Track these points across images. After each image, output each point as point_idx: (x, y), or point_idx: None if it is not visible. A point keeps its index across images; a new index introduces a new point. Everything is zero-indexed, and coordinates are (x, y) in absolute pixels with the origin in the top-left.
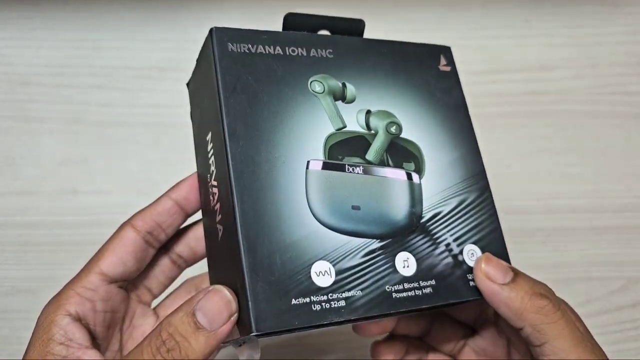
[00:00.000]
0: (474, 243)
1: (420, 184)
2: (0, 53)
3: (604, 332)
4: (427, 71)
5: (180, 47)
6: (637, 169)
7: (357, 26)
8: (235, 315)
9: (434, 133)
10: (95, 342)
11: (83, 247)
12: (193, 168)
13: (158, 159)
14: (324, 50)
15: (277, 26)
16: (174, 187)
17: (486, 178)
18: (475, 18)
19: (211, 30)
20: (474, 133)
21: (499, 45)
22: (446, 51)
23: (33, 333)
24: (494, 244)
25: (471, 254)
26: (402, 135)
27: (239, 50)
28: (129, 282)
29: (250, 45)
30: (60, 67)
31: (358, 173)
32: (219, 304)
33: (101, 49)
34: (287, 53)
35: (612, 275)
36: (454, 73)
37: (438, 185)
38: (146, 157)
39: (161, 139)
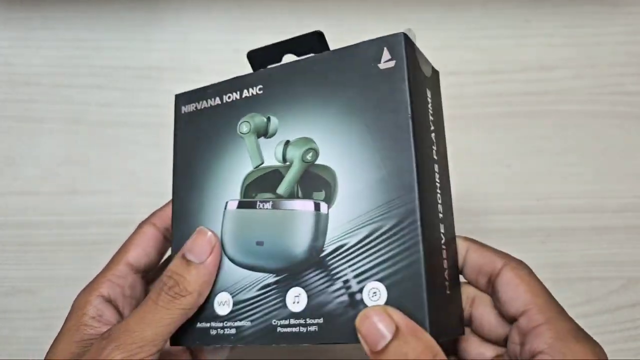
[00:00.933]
0: (379, 280)
1: (327, 214)
2: (0, 53)
3: (603, 331)
4: (364, 76)
5: (180, 47)
6: (637, 169)
7: (317, 40)
8: (218, 245)
9: (357, 152)
10: None
11: (83, 247)
12: None
13: (158, 159)
14: (254, 88)
15: (275, 21)
16: None
17: (414, 200)
18: (475, 18)
19: (175, 97)
20: (410, 141)
21: (499, 45)
22: (393, 41)
23: (68, 313)
24: (406, 283)
25: (373, 293)
26: (320, 160)
27: (188, 111)
28: (150, 277)
29: (197, 104)
30: (60, 67)
31: (267, 208)
32: (202, 239)
33: (101, 49)
34: (224, 101)
35: (612, 275)
36: (398, 68)
37: (349, 213)
38: (146, 157)
39: (161, 139)
